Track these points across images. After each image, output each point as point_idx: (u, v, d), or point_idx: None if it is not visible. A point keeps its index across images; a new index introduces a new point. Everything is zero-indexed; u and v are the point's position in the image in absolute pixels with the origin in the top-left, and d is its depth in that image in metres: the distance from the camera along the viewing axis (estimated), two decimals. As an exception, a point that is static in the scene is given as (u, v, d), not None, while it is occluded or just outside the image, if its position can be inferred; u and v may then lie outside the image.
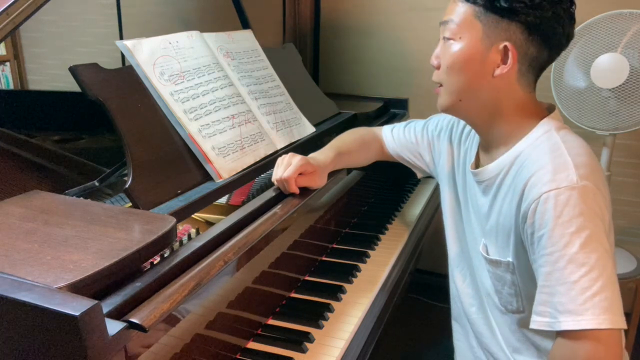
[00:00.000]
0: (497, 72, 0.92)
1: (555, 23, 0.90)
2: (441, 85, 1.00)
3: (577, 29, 1.71)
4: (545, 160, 0.88)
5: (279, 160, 1.13)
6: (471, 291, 1.15)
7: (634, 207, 2.05)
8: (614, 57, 1.66)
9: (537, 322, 0.86)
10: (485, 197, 1.03)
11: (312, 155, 1.20)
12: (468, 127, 1.15)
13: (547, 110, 0.99)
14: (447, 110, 1.02)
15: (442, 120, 1.25)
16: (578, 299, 0.80)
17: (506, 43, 0.90)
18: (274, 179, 1.12)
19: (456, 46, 0.94)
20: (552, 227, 0.83)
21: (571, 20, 0.92)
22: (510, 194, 0.94)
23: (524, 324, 1.00)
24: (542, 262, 0.85)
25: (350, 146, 1.29)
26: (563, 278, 0.82)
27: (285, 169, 1.10)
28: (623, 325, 0.80)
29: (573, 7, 0.92)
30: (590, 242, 0.81)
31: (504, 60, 0.92)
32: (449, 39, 0.95)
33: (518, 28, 0.90)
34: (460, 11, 0.94)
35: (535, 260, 0.87)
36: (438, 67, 0.99)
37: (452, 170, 1.19)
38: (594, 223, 0.82)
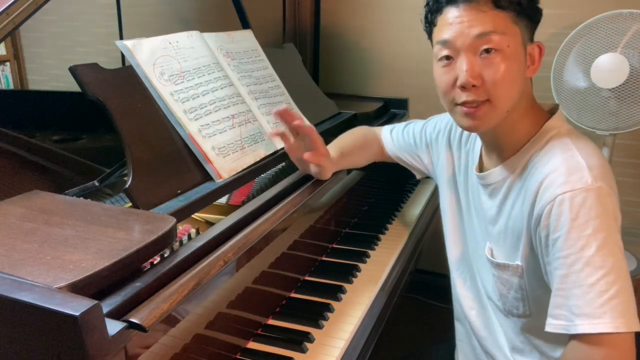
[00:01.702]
0: (530, 73, 0.92)
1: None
2: (485, 102, 0.89)
3: (577, 29, 1.72)
4: (558, 162, 0.87)
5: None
6: (471, 294, 1.15)
7: (634, 207, 2.05)
8: (614, 57, 1.66)
9: (553, 325, 0.84)
10: (492, 201, 1.02)
11: None
12: None
13: (550, 111, 0.98)
14: (490, 127, 0.92)
15: (440, 122, 1.23)
16: (595, 302, 0.79)
17: (538, 42, 0.92)
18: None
19: (507, 56, 0.87)
20: (568, 230, 0.82)
21: None
22: (521, 197, 0.93)
23: (527, 327, 1.00)
24: (557, 264, 0.84)
25: (352, 147, 1.29)
26: (579, 281, 0.81)
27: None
28: (638, 327, 0.79)
29: None
30: (606, 244, 0.81)
31: (532, 60, 0.92)
32: (495, 50, 0.87)
33: (535, 25, 0.92)
34: (498, 19, 0.87)
35: (550, 263, 0.86)
36: (480, 85, 0.88)
37: (452, 173, 1.18)
38: (609, 225, 0.82)
